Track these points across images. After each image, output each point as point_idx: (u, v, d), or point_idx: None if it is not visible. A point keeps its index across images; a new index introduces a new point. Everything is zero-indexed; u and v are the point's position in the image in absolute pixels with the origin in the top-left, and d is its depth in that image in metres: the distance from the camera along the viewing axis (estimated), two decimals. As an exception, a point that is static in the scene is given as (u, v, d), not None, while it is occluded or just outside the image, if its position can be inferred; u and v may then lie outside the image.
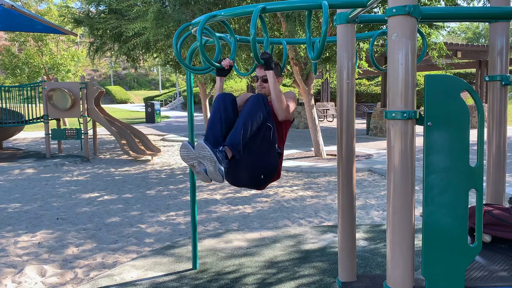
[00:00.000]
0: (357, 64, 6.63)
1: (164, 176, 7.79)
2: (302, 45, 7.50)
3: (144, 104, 34.78)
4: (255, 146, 2.58)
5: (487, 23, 2.75)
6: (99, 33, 10.05)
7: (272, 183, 6.86)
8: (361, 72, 17.43)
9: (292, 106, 2.78)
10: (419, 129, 1.79)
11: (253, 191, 6.33)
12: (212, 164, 2.31)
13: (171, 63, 12.01)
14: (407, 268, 1.84)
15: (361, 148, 10.83)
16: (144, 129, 17.87)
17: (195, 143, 2.38)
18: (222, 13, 2.40)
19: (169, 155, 10.71)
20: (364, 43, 8.02)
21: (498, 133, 2.59)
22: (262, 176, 2.69)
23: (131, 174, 8.11)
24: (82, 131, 9.96)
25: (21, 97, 10.53)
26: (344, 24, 2.47)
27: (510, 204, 2.45)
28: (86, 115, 9.89)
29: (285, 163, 8.54)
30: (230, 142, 2.47)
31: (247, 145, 2.54)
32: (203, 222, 4.84)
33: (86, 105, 9.85)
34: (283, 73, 9.39)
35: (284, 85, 27.00)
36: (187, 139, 13.65)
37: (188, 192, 6.41)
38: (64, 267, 3.59)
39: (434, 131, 1.75)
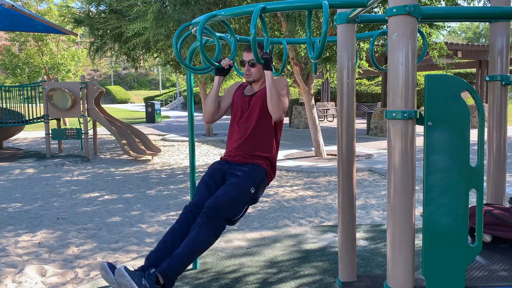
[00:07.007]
0: (358, 64, 6.63)
1: (164, 176, 7.80)
2: (302, 45, 7.50)
3: (144, 104, 34.79)
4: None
5: (487, 23, 2.74)
6: (99, 33, 10.06)
7: (272, 183, 6.89)
8: (362, 72, 17.45)
9: (286, 101, 2.66)
10: (420, 129, 1.79)
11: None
12: None
13: (171, 63, 12.02)
14: (408, 268, 1.84)
15: (361, 148, 10.83)
16: (144, 129, 17.87)
17: (116, 268, 2.12)
18: (222, 13, 2.40)
19: (169, 155, 10.71)
20: (364, 43, 8.02)
21: (499, 133, 2.59)
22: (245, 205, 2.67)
23: (131, 174, 8.11)
24: (83, 131, 9.96)
25: (22, 97, 10.53)
26: (345, 24, 2.47)
27: (510, 204, 2.45)
28: (86, 115, 9.89)
29: (285, 163, 8.54)
30: (165, 267, 2.17)
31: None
32: (204, 222, 4.84)
33: (86, 105, 9.86)
34: (283, 73, 9.43)
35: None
36: (187, 139, 13.61)
37: (188, 192, 6.41)
38: (64, 267, 3.59)
39: (434, 131, 1.75)
